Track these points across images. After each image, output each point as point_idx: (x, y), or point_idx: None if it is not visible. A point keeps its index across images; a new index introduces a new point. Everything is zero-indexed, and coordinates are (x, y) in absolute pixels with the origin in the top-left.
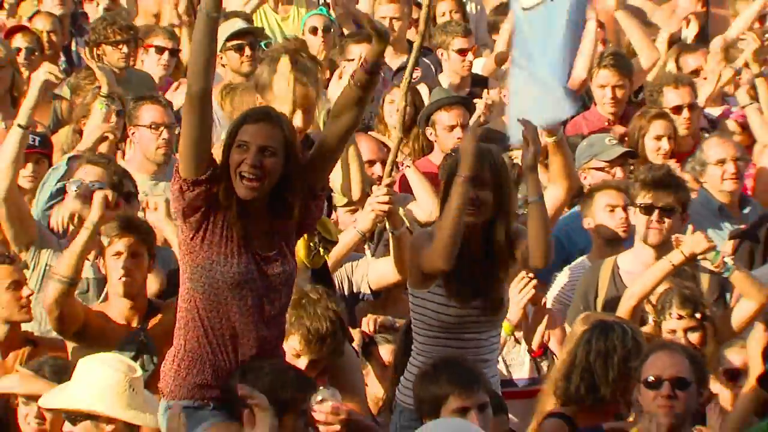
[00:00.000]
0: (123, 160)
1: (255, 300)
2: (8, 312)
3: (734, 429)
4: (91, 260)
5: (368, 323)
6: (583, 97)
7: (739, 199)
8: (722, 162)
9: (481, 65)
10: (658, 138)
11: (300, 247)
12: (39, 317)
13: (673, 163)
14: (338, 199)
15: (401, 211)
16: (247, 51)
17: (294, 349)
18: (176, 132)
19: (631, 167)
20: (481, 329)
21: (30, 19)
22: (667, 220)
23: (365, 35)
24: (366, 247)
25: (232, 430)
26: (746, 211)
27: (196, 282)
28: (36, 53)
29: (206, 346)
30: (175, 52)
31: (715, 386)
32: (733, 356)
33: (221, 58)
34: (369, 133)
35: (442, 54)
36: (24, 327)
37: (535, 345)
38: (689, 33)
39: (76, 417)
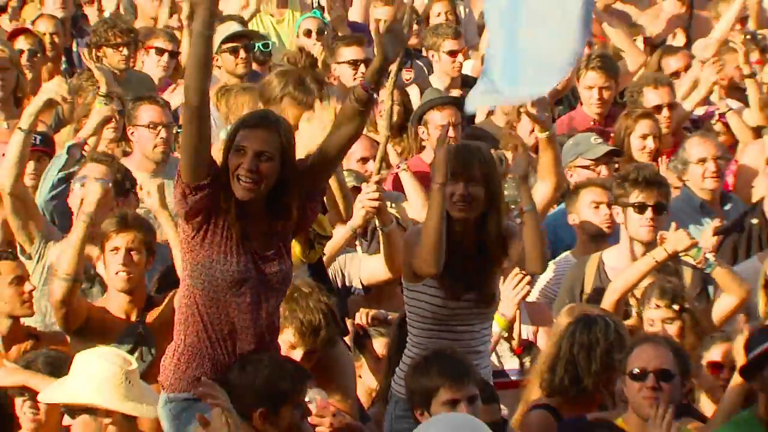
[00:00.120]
0: (122, 159)
1: (253, 297)
2: (10, 307)
3: (724, 419)
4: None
5: (361, 316)
6: (569, 98)
7: (720, 196)
8: (703, 161)
9: (471, 66)
10: (644, 137)
11: (295, 244)
12: (44, 310)
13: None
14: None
15: (394, 209)
16: (242, 53)
17: (289, 342)
18: (174, 131)
19: (616, 165)
20: (474, 321)
21: (33, 22)
22: (658, 218)
23: (355, 38)
24: (357, 243)
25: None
26: (727, 207)
27: (196, 279)
28: (38, 55)
29: (205, 340)
30: (174, 54)
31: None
32: (715, 350)
33: (217, 60)
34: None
35: (432, 56)
36: (29, 320)
37: (514, 344)
38: (677, 42)
39: (75, 410)
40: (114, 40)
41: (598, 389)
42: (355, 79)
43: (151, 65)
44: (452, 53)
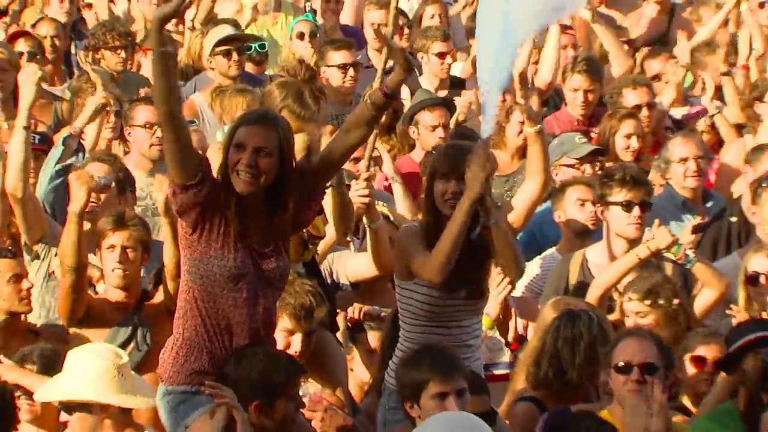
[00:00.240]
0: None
1: (250, 293)
2: (9, 303)
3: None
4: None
5: (354, 311)
6: (554, 98)
7: (702, 193)
8: (685, 160)
9: (460, 68)
10: (628, 136)
11: (290, 243)
12: (48, 305)
13: None
14: None
15: (385, 207)
16: (235, 56)
17: (286, 329)
18: None
19: (599, 164)
20: (465, 317)
21: (34, 25)
22: (644, 215)
23: (344, 43)
24: (349, 240)
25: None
26: (709, 205)
27: (195, 274)
28: (38, 57)
29: (203, 334)
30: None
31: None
32: (699, 343)
33: (210, 62)
34: None
35: (422, 57)
36: (33, 315)
37: (510, 338)
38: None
39: (70, 407)
40: (112, 43)
41: (583, 382)
42: (344, 82)
43: (149, 67)
44: (441, 55)
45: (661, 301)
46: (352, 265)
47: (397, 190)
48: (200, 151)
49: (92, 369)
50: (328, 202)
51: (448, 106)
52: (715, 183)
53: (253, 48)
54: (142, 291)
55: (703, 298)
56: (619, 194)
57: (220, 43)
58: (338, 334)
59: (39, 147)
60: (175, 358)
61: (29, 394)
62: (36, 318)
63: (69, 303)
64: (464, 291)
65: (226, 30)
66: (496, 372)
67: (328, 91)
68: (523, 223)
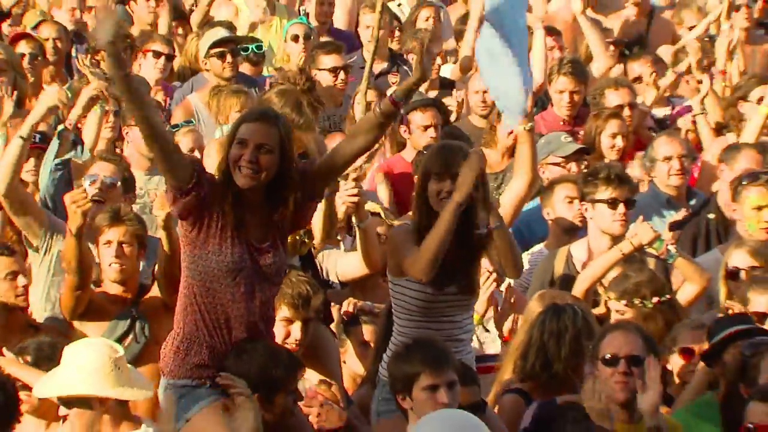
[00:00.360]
0: None
1: (247, 288)
2: (5, 299)
3: (691, 401)
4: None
5: (348, 305)
6: (542, 99)
7: (686, 191)
8: (669, 158)
9: (449, 70)
10: (613, 136)
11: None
12: (53, 299)
13: None
14: None
15: (379, 207)
16: (229, 58)
17: (285, 318)
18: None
19: (585, 162)
20: (456, 312)
21: (36, 26)
22: (629, 213)
23: (335, 46)
24: (339, 238)
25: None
26: (693, 202)
27: (194, 270)
28: (39, 58)
29: (203, 329)
30: (170, 57)
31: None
32: (688, 336)
33: (205, 64)
34: (341, 132)
35: (412, 58)
36: (39, 309)
37: (505, 331)
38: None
39: (69, 402)
40: None
41: (568, 374)
42: (335, 84)
43: (148, 68)
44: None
45: (636, 301)
46: (342, 263)
47: (381, 189)
48: (195, 152)
49: (89, 363)
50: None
51: (438, 106)
52: (697, 181)
53: (250, 49)
54: (140, 285)
55: (685, 292)
56: (605, 192)
57: (214, 45)
58: (332, 326)
59: (39, 145)
60: (176, 352)
61: (27, 387)
62: (41, 311)
63: (72, 300)
64: (455, 287)
65: (221, 32)
66: (487, 364)
67: (319, 92)
68: (510, 219)
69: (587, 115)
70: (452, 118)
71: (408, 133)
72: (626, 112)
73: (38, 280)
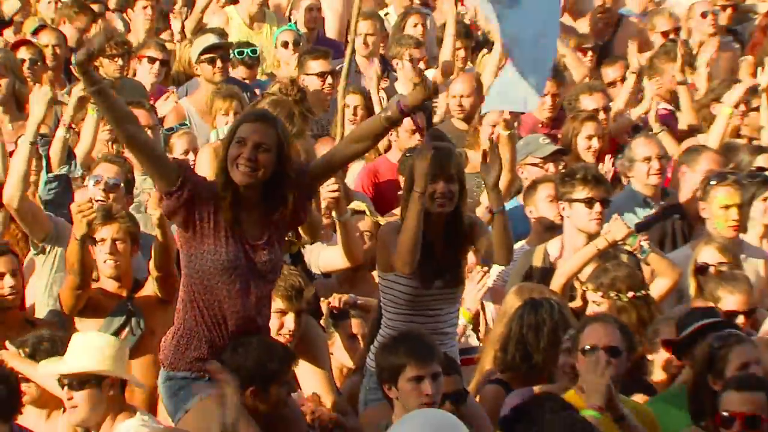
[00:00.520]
0: None
1: (242, 284)
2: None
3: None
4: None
5: (335, 300)
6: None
7: (661, 191)
8: (648, 159)
9: (432, 75)
10: (589, 138)
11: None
12: (56, 295)
13: None
14: None
15: (365, 205)
16: (219, 63)
17: (279, 310)
18: (159, 132)
19: (563, 163)
20: (443, 305)
21: (36, 33)
22: (604, 212)
23: (322, 52)
24: (333, 232)
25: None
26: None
27: (191, 268)
28: (38, 63)
29: (202, 325)
30: (165, 63)
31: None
32: (669, 327)
33: (196, 69)
34: (329, 137)
35: (397, 63)
36: (43, 305)
37: (481, 333)
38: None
39: (81, 381)
40: (110, 52)
41: (547, 365)
42: (322, 89)
43: (144, 73)
44: (414, 62)
45: (611, 294)
46: (324, 256)
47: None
48: (190, 154)
49: (99, 345)
50: None
51: (424, 109)
52: (669, 181)
53: (245, 52)
54: (134, 280)
55: (658, 286)
56: (582, 192)
57: (205, 51)
58: (322, 321)
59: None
60: (176, 345)
61: (29, 380)
62: (44, 306)
63: (72, 299)
64: (441, 281)
65: (211, 39)
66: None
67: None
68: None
69: (565, 118)
70: (435, 119)
71: (395, 135)
72: (601, 115)
73: (41, 276)
